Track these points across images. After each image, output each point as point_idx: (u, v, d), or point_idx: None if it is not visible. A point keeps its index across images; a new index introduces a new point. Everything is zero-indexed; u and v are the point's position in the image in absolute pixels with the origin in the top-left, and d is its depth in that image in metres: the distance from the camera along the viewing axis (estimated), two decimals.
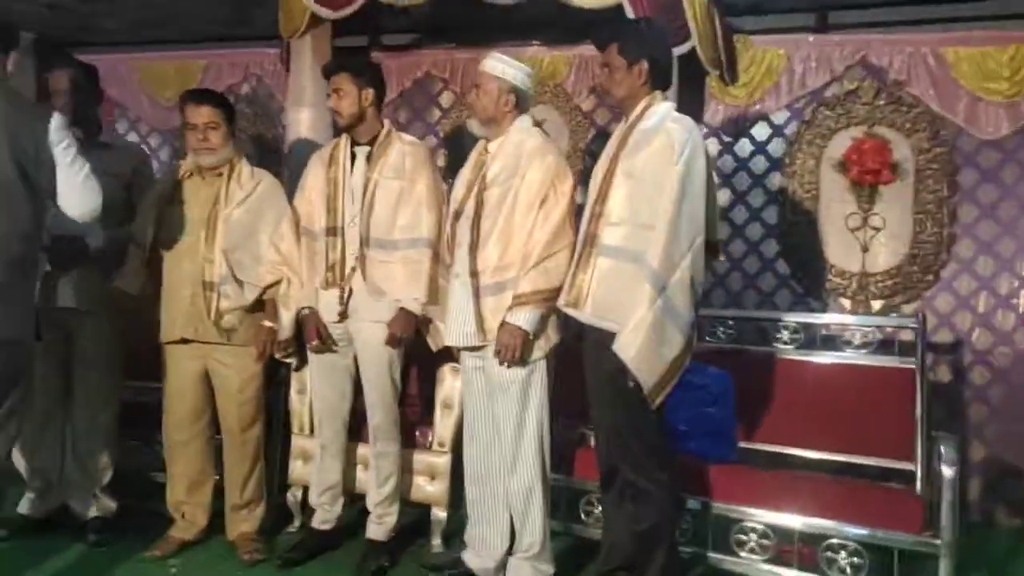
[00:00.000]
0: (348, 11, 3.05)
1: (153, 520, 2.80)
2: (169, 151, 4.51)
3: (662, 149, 2.11)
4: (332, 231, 2.63)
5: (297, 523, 2.87)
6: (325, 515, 2.70)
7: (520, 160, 2.42)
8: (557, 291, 2.30)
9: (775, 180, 3.52)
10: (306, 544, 2.67)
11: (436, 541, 2.75)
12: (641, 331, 2.02)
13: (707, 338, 2.97)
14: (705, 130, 3.50)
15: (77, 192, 2.12)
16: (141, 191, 2.80)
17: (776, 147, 3.53)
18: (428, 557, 2.66)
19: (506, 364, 2.33)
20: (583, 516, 2.64)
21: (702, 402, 2.67)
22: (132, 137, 4.63)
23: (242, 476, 2.69)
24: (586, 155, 3.67)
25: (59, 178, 2.08)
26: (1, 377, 2.07)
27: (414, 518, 2.83)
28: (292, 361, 2.73)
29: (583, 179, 3.48)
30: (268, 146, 4.15)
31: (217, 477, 2.75)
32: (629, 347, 2.04)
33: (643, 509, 2.14)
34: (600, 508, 2.49)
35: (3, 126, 1.99)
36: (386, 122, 2.74)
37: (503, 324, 2.32)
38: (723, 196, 3.48)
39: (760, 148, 3.55)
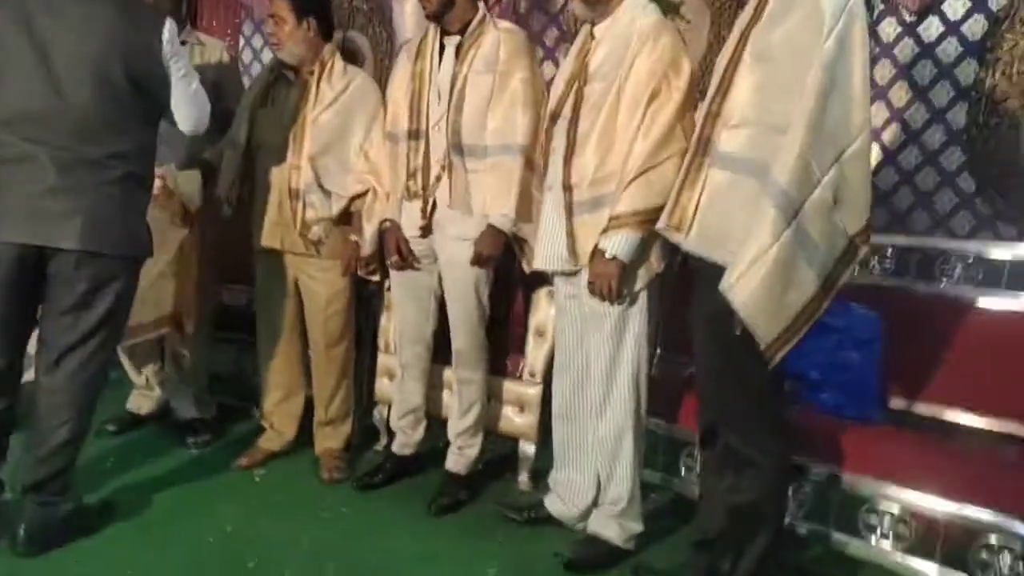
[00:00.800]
0: None
1: (251, 425, 2.86)
2: None
3: (807, 19, 1.60)
4: (415, 134, 2.37)
5: (383, 442, 2.78)
6: (405, 439, 2.57)
7: (629, 44, 2.01)
8: (661, 209, 1.89)
9: (969, 70, 2.74)
10: (385, 468, 2.56)
11: (523, 478, 2.56)
12: (760, 269, 1.58)
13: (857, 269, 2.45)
14: (881, 6, 2.80)
15: (188, 105, 2.08)
16: (229, 91, 2.67)
17: (975, 27, 2.73)
18: (510, 496, 2.47)
19: (599, 298, 2.01)
20: (683, 470, 2.33)
21: (841, 347, 2.21)
22: (257, 40, 4.57)
23: (328, 392, 2.60)
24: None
25: (172, 91, 2.03)
26: (129, 294, 2.07)
27: (504, 452, 2.64)
28: (376, 278, 2.55)
29: None
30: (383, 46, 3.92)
31: (310, 392, 2.68)
32: (742, 289, 1.60)
33: (745, 481, 1.77)
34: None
35: (116, 39, 1.91)
36: (481, 7, 2.38)
37: (595, 251, 1.98)
38: (899, 93, 2.81)
39: (953, 28, 2.75)
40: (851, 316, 2.19)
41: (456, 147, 2.31)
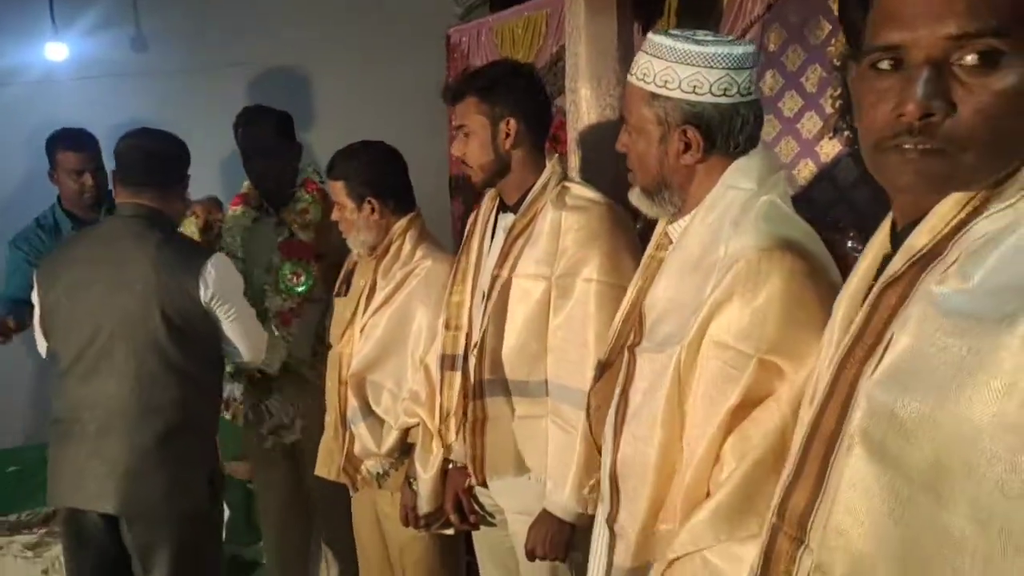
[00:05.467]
0: None
1: None
2: None
3: None
4: (450, 362, 1.72)
5: None
6: None
7: (705, 283, 1.10)
8: None
9: None
10: None
11: None
12: None
13: None
14: None
15: (240, 342, 2.03)
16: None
17: None
18: None
19: None
20: None
21: None
22: None
23: None
24: None
25: (222, 329, 2.00)
26: (193, 553, 1.98)
27: None
28: (450, 531, 1.94)
29: None
30: None
31: None
32: None
33: None
34: None
35: (151, 294, 1.90)
36: (550, 164, 1.62)
37: None
38: None
39: None
40: None
41: (496, 385, 1.60)
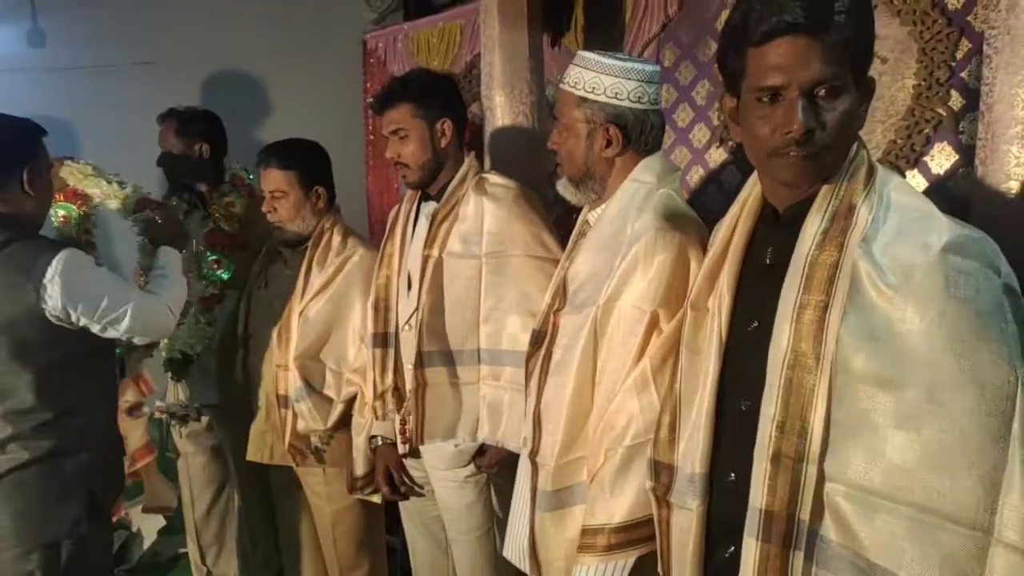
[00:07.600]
0: None
1: None
2: None
3: None
4: (380, 339, 1.89)
5: None
6: None
7: (615, 256, 1.37)
8: (637, 527, 1.26)
9: None
10: None
11: None
12: None
13: None
14: None
15: (143, 329, 1.80)
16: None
17: None
18: None
19: None
20: None
21: None
22: None
23: None
24: (948, 91, 2.04)
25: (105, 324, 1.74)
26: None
27: None
28: (376, 499, 2.11)
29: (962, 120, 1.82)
30: None
31: None
32: None
33: None
34: None
35: None
36: (468, 159, 1.81)
37: None
38: None
39: None
40: None
41: (434, 356, 1.78)
